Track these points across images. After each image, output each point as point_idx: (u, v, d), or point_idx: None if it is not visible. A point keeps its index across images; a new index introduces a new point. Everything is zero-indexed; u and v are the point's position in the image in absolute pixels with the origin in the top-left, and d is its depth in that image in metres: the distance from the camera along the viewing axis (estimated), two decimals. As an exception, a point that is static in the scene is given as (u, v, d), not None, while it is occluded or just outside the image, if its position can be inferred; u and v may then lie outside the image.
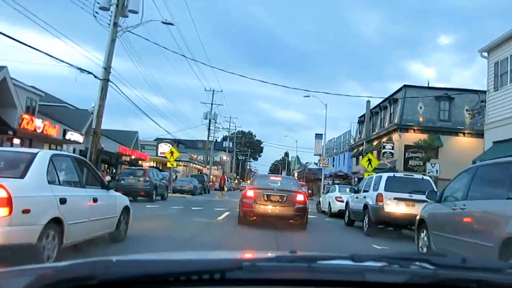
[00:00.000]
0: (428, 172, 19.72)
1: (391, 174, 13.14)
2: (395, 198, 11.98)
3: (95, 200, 7.03)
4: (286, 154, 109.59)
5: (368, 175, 22.73)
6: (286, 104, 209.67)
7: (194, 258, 1.78)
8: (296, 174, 68.82)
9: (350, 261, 1.26)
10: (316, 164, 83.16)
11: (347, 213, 15.30)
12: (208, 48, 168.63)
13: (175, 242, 8.90)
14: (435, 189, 11.26)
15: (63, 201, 5.86)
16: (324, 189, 43.85)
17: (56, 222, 5.66)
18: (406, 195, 12.05)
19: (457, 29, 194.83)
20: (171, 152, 25.62)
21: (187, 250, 7.53)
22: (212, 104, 52.32)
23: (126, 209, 8.42)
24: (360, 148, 47.86)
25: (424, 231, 8.28)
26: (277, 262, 1.25)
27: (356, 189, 15.22)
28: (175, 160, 26.78)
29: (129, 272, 1.14)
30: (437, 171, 20.16)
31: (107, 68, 18.05)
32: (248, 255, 1.98)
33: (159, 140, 58.89)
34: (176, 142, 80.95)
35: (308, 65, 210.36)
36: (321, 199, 22.82)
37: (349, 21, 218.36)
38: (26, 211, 5.10)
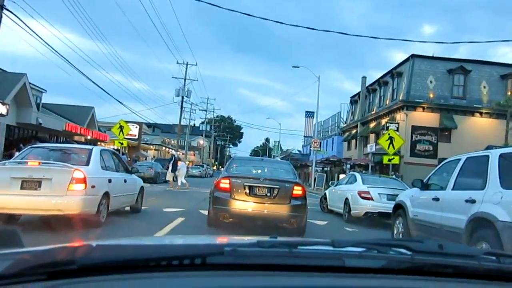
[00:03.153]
0: None
1: None
2: None
3: (125, 181, 9.75)
4: (267, 139, 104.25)
5: (389, 158, 16.86)
6: (268, 91, 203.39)
7: (175, 243, 1.78)
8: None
9: (330, 246, 1.27)
10: (299, 151, 78.02)
11: (398, 223, 8.68)
12: (191, 33, 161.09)
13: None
14: None
15: (110, 181, 8.60)
16: (314, 177, 38.03)
17: (106, 195, 8.34)
18: None
19: (439, 18, 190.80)
20: (120, 127, 19.12)
21: None
22: (185, 79, 45.64)
23: (141, 189, 11.14)
24: (353, 131, 42.16)
25: None
26: (258, 248, 1.22)
27: (425, 181, 7.94)
28: (126, 138, 20.45)
29: (110, 257, 1.12)
30: None
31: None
32: (229, 240, 1.94)
33: (129, 123, 51.85)
34: (152, 126, 75.56)
35: (291, 53, 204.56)
36: (327, 192, 15.45)
37: (335, 8, 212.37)
38: (93, 187, 7.75)
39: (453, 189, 6.91)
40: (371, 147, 34.51)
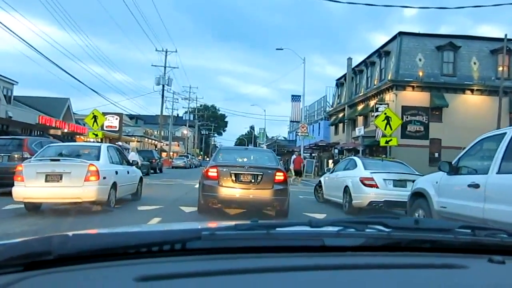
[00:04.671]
0: None
1: None
2: None
3: (128, 172, 11.10)
4: (252, 127, 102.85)
5: (386, 140, 15.75)
6: (252, 78, 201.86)
7: (153, 230, 1.66)
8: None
9: (308, 227, 1.25)
10: (285, 138, 76.94)
11: (418, 216, 6.95)
12: (170, 21, 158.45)
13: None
14: None
15: (116, 172, 9.99)
16: (303, 164, 36.78)
17: (114, 184, 9.65)
18: None
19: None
20: (94, 117, 17.53)
21: None
22: (165, 67, 43.97)
23: (140, 179, 12.28)
24: (340, 115, 41.14)
25: None
26: (235, 231, 1.21)
27: (454, 163, 6.40)
28: (101, 129, 18.90)
29: (87, 246, 1.10)
30: None
31: None
32: (207, 224, 1.84)
33: (108, 115, 49.93)
34: (135, 118, 73.59)
35: (272, 40, 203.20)
36: (322, 180, 13.97)
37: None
38: (104, 178, 9.07)
39: (498, 172, 5.44)
40: (359, 130, 33.49)
